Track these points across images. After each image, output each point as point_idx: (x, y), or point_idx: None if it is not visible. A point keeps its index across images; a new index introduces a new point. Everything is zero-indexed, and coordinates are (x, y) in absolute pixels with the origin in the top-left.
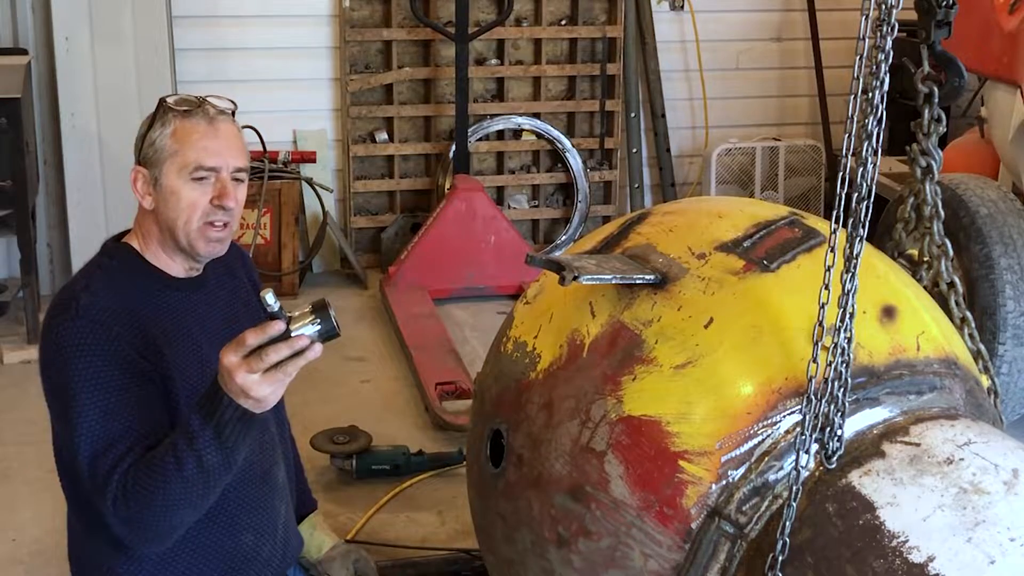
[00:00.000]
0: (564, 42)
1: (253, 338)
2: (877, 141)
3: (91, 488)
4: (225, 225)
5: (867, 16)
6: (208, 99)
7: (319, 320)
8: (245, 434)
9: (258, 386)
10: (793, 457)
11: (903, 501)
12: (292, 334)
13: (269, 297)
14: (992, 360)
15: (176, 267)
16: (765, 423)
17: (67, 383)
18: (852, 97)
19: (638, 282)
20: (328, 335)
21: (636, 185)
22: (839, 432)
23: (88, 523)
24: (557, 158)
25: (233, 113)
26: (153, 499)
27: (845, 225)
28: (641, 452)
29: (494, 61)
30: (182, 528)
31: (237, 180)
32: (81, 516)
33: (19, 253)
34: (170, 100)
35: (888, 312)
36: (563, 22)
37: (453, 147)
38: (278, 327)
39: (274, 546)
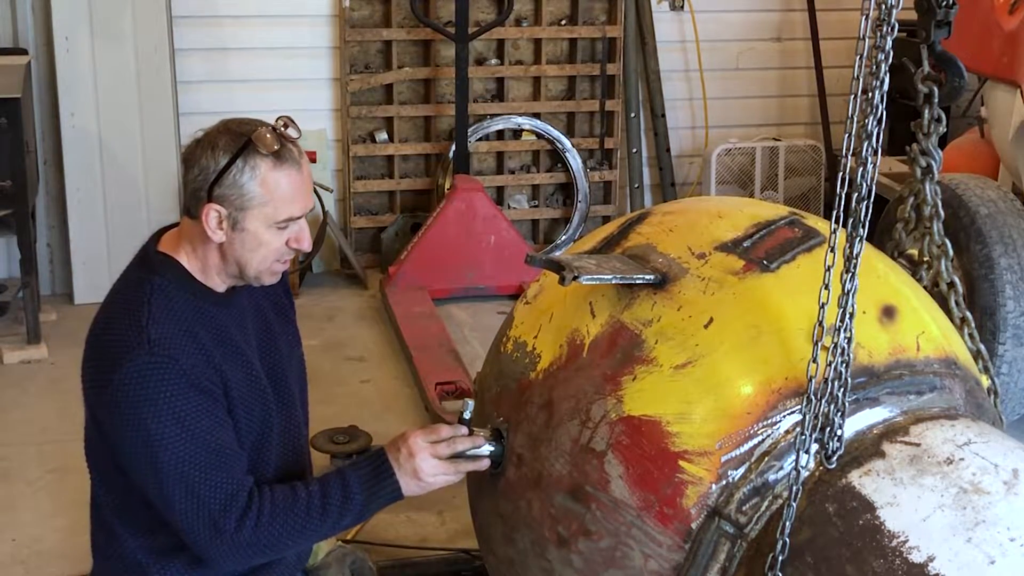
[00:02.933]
0: (564, 42)
1: (447, 431)
2: (877, 141)
3: (192, 514)
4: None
5: (867, 16)
6: (285, 132)
7: (494, 443)
8: (379, 510)
9: (433, 471)
10: (793, 457)
11: (903, 501)
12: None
13: (470, 408)
14: (992, 360)
15: (221, 285)
16: (765, 423)
17: (148, 424)
18: (852, 97)
19: (638, 282)
20: (496, 457)
21: (636, 185)
22: (839, 432)
23: (130, 526)
24: (557, 158)
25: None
26: (283, 536)
27: (845, 225)
28: (641, 452)
29: (494, 61)
30: None
31: None
32: (124, 519)
33: (19, 253)
34: (258, 143)
35: (888, 312)
36: (563, 22)
37: (453, 147)
38: (464, 431)
39: None
